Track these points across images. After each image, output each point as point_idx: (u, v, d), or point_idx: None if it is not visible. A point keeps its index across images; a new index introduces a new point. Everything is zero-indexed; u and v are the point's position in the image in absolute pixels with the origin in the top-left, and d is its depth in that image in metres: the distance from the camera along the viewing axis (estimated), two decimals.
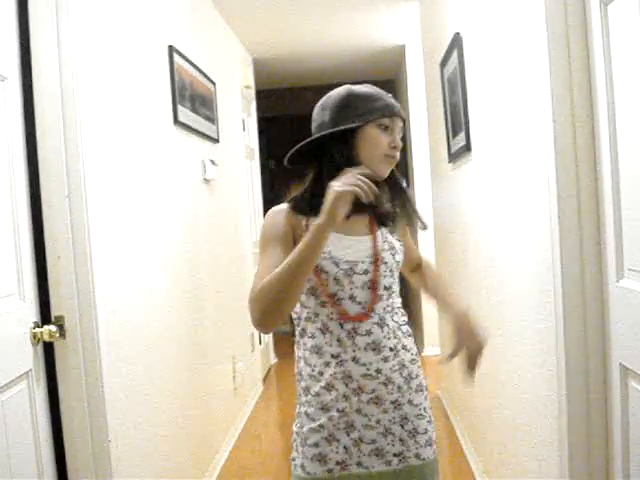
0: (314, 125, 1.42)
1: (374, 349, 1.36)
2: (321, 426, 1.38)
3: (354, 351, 1.35)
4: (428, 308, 4.97)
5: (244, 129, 4.67)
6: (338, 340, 1.35)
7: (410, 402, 1.40)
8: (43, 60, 1.82)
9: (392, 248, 1.42)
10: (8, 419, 1.62)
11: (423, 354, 5.19)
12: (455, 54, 2.72)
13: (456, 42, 2.69)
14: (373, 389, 1.36)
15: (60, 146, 1.84)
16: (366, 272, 1.36)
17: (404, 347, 1.41)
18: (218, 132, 3.59)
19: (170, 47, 2.78)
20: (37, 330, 1.78)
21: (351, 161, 1.35)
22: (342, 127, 1.35)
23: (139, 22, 2.48)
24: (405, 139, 5.63)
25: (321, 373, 1.37)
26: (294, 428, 1.45)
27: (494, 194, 2.31)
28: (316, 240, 1.22)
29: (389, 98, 1.41)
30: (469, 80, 2.59)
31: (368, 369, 1.35)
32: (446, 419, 3.70)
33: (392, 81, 6.51)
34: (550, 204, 1.63)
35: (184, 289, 2.84)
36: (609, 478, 1.58)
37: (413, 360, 1.43)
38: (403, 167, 5.98)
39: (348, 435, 1.37)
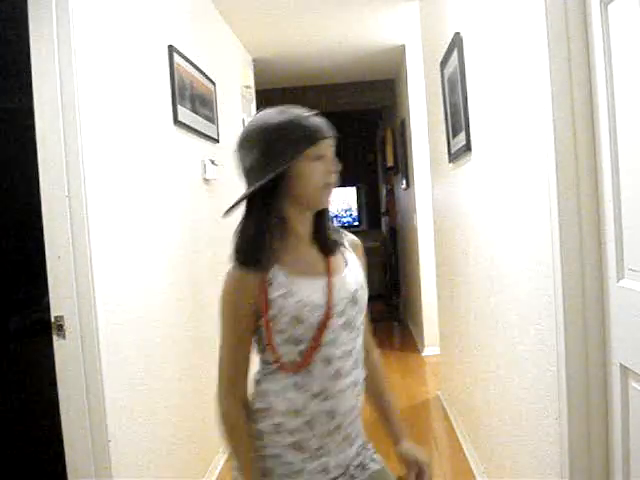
0: (243, 167, 1.31)
1: (355, 385, 1.34)
2: (299, 472, 1.31)
3: (339, 389, 1.30)
4: (428, 308, 4.98)
5: None
6: (321, 381, 1.29)
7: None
8: (43, 59, 1.82)
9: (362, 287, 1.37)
10: None
11: (423, 354, 5.19)
12: (455, 54, 2.72)
13: (456, 42, 2.69)
14: (350, 423, 1.33)
15: (60, 146, 1.84)
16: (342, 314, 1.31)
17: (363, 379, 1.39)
18: (218, 132, 3.59)
19: (170, 47, 2.78)
20: None
21: (283, 203, 1.29)
22: (271, 175, 1.24)
23: (139, 22, 2.48)
24: (405, 139, 5.63)
25: (305, 407, 1.28)
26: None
27: (494, 194, 2.31)
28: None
29: (311, 120, 1.27)
30: (469, 80, 2.59)
31: (350, 403, 1.32)
32: (446, 419, 3.70)
33: (392, 81, 6.51)
34: (550, 204, 1.62)
35: (184, 289, 2.84)
36: (609, 478, 1.58)
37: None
38: (403, 167, 5.97)
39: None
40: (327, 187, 1.29)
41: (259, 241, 1.26)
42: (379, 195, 9.48)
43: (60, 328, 1.84)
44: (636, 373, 1.41)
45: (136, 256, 2.28)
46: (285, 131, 1.24)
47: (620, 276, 1.48)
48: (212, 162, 3.38)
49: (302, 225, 1.33)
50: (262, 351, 1.33)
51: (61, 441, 1.87)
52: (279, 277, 1.27)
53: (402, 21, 4.50)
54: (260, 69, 5.34)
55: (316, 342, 1.27)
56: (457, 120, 2.82)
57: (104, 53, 2.11)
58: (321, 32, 4.69)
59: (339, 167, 1.30)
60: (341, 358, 1.30)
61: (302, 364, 1.28)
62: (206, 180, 3.32)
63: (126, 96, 2.28)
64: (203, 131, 3.25)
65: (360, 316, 1.36)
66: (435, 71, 3.37)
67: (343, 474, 1.34)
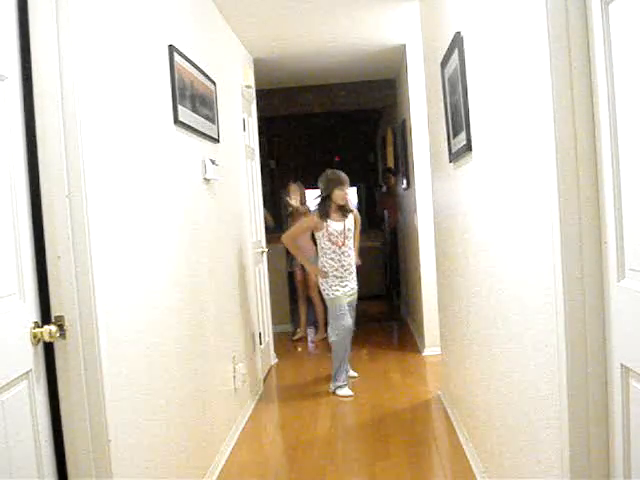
0: (321, 186, 4.41)
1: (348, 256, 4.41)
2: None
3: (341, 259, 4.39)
4: (429, 310, 4.98)
5: (244, 129, 4.67)
6: (334, 252, 4.36)
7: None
8: (43, 60, 1.82)
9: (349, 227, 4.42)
10: (8, 419, 1.62)
11: (423, 354, 5.19)
12: (456, 53, 2.72)
13: (457, 41, 2.68)
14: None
15: (60, 146, 1.83)
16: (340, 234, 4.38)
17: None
18: (218, 132, 3.59)
19: (170, 47, 2.78)
20: (37, 330, 1.77)
21: (331, 200, 4.36)
22: (326, 193, 4.38)
23: (139, 21, 2.48)
24: (406, 139, 5.64)
25: (336, 262, 4.39)
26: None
27: (495, 194, 2.31)
28: (306, 267, 4.78)
29: (343, 177, 4.38)
30: (470, 80, 2.58)
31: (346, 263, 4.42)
32: (446, 419, 3.70)
33: (393, 81, 6.50)
34: (551, 204, 1.62)
35: (184, 289, 2.83)
36: (609, 478, 1.58)
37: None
38: (404, 167, 5.98)
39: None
40: (344, 200, 4.38)
41: (323, 210, 4.37)
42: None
43: (60, 328, 1.83)
44: (637, 373, 1.41)
45: (136, 256, 2.28)
46: (331, 178, 4.42)
47: (621, 276, 1.47)
48: (212, 162, 3.38)
49: (336, 207, 4.40)
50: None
51: (61, 441, 1.87)
52: (329, 221, 4.32)
53: (402, 21, 4.50)
54: (260, 69, 5.34)
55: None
56: (457, 120, 2.82)
57: (104, 53, 2.11)
58: (321, 32, 4.69)
59: (348, 191, 4.39)
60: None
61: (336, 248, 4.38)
62: (206, 180, 3.31)
63: (126, 96, 2.28)
64: (203, 131, 3.25)
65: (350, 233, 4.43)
66: (436, 71, 3.37)
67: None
